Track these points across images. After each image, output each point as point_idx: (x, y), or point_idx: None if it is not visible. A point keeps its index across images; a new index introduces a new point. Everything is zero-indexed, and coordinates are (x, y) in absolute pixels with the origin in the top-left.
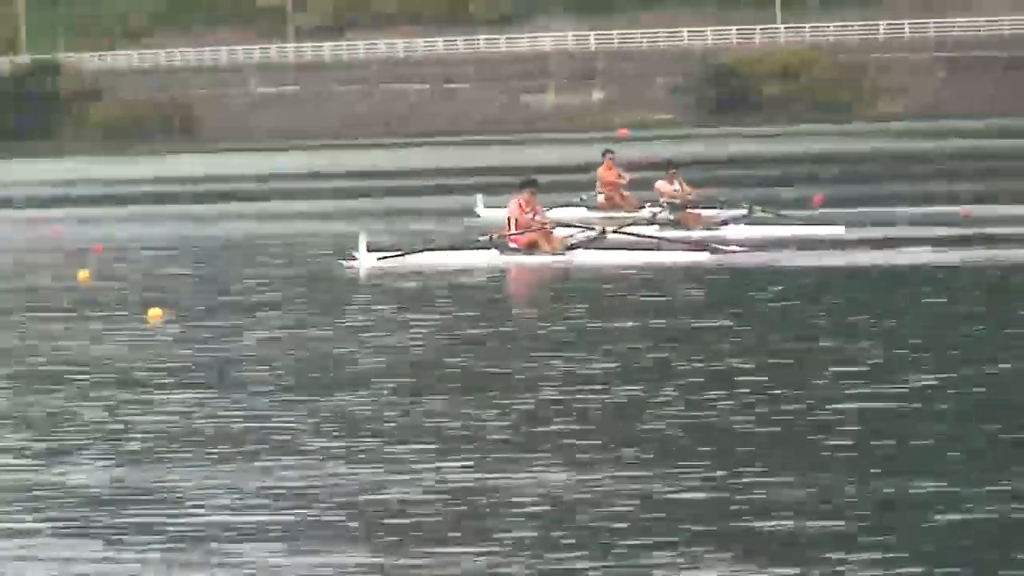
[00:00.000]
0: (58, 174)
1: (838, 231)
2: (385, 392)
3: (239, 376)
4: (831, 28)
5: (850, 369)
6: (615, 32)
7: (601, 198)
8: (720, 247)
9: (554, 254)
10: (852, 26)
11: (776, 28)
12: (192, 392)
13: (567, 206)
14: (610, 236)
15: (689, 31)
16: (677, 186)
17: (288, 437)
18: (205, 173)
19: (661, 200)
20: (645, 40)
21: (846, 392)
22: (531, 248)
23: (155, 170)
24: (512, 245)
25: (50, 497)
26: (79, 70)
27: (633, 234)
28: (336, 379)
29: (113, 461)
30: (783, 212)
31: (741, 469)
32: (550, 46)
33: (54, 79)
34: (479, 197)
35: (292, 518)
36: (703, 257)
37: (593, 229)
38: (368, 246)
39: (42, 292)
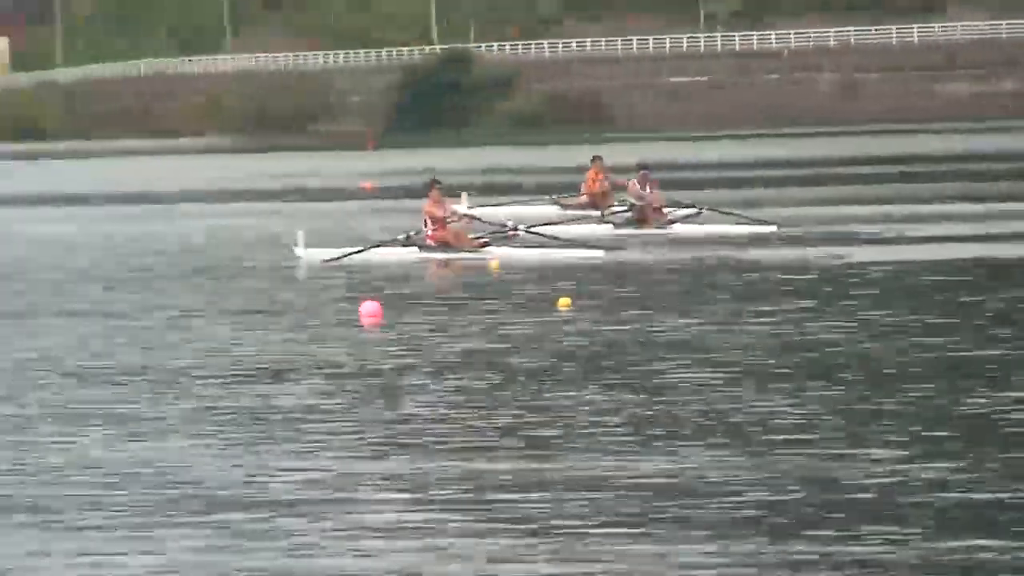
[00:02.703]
0: (470, 163)
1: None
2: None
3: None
4: None
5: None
6: None
7: (583, 198)
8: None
9: (471, 251)
10: None
11: None
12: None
13: (535, 203)
14: (522, 234)
15: None
16: (648, 188)
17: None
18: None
19: (628, 199)
20: None
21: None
22: (446, 245)
23: (563, 159)
24: (430, 243)
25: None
26: (489, 60)
27: (539, 234)
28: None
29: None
30: (734, 212)
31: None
32: (961, 35)
33: (465, 69)
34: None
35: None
36: (599, 254)
37: (506, 227)
38: (307, 243)
39: (452, 282)
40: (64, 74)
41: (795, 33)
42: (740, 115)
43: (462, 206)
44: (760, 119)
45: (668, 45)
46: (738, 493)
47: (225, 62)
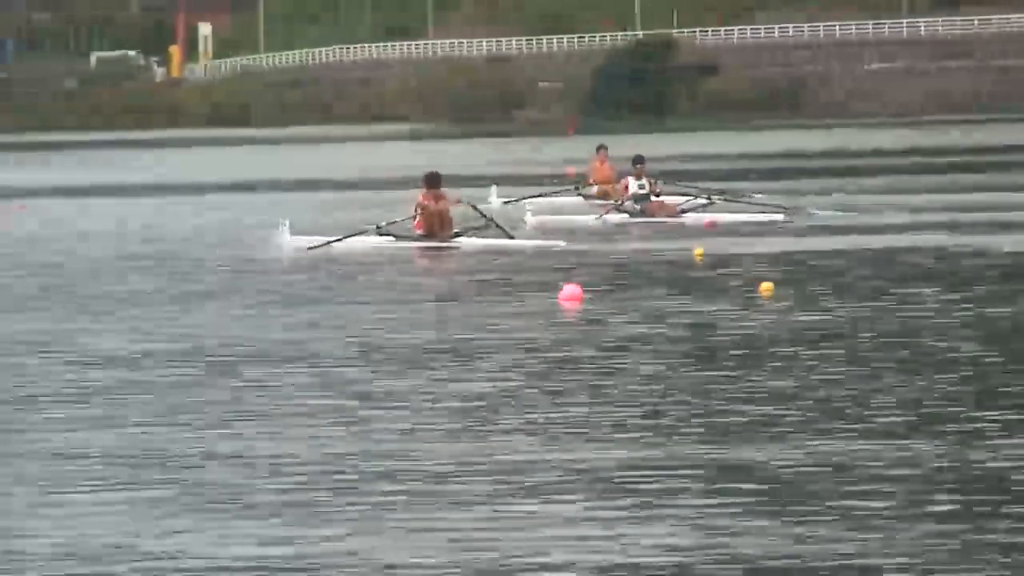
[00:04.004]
0: (671, 149)
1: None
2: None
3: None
4: None
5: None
6: None
7: (595, 189)
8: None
9: (445, 241)
10: None
11: None
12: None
13: (562, 194)
14: (493, 228)
15: None
16: (644, 180)
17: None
18: (812, 149)
19: (629, 192)
20: None
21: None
22: (429, 234)
23: (764, 145)
24: (416, 231)
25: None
26: (693, 46)
27: (502, 227)
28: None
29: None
30: (743, 199)
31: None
32: None
33: (668, 55)
34: None
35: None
36: (560, 243)
37: (482, 219)
38: (291, 231)
39: (657, 267)
40: (267, 60)
41: (997, 18)
42: (935, 102)
43: (492, 197)
44: (956, 106)
45: (871, 31)
46: None
47: (428, 48)
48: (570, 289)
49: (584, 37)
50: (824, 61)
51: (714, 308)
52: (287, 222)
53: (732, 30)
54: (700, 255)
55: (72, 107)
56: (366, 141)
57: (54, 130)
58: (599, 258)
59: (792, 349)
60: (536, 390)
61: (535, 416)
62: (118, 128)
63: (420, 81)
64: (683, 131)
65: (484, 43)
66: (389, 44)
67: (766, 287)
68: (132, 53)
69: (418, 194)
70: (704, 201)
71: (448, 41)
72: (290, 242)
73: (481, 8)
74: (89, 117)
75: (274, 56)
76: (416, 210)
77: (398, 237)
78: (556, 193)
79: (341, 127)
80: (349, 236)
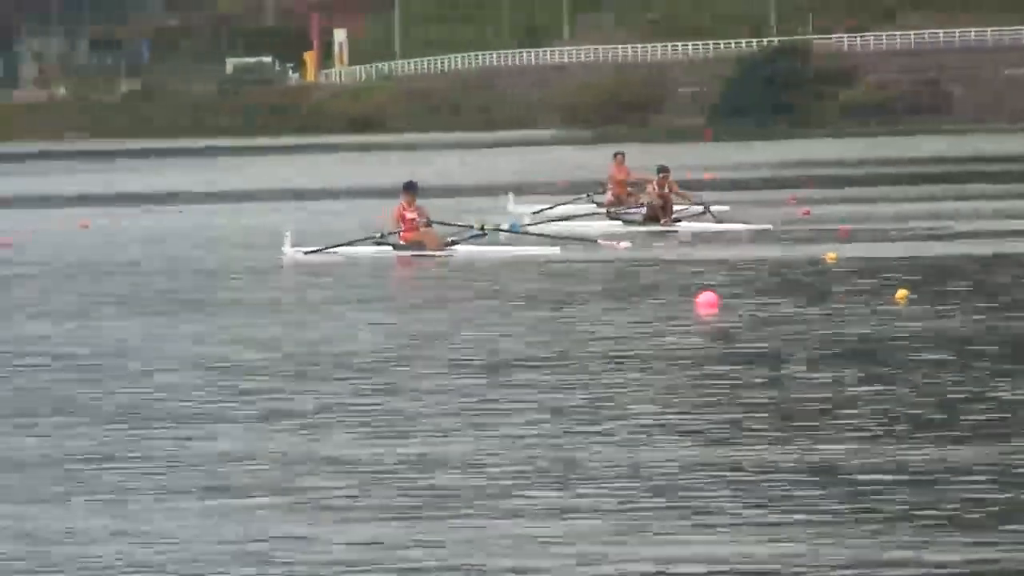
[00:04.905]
0: (806, 155)
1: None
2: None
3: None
4: None
5: None
6: None
7: (609, 195)
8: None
9: (438, 249)
10: None
11: None
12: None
13: (577, 201)
14: (488, 235)
15: None
16: (667, 188)
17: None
18: (955, 154)
19: (644, 198)
20: None
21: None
22: (417, 245)
23: (900, 150)
24: (402, 242)
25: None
26: (826, 52)
27: (500, 229)
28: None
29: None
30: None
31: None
32: None
33: (802, 61)
34: None
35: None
36: (555, 251)
37: (471, 227)
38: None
39: (792, 270)
40: (402, 66)
41: None
42: None
43: (510, 205)
44: None
45: (1008, 36)
46: None
47: (564, 54)
48: (707, 296)
49: (719, 43)
50: (962, 66)
51: (847, 313)
52: (288, 233)
53: (868, 36)
54: (833, 259)
55: (209, 112)
56: (501, 147)
57: (192, 136)
58: (726, 266)
59: (935, 355)
60: (689, 395)
61: (690, 419)
62: (255, 134)
63: (556, 86)
64: (817, 137)
65: (620, 48)
66: (525, 50)
67: (901, 294)
68: (267, 59)
69: (397, 205)
70: (699, 210)
71: (584, 47)
72: (291, 252)
73: (617, 13)
74: (226, 123)
75: (410, 63)
76: (398, 222)
77: (396, 247)
78: (573, 202)
79: (476, 133)
80: (344, 245)
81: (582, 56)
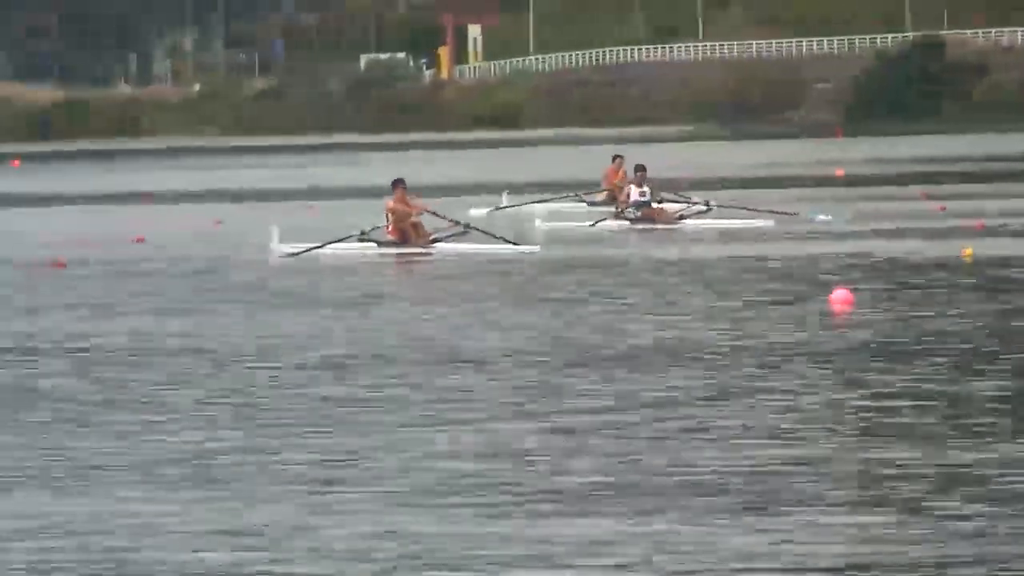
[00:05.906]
0: (943, 150)
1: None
2: None
3: None
4: None
5: None
6: None
7: (599, 195)
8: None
9: (422, 246)
10: None
11: None
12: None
13: (568, 200)
14: (472, 233)
15: None
16: (645, 188)
17: None
18: None
19: (631, 199)
20: None
21: None
22: (404, 240)
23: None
24: (390, 237)
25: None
26: (962, 46)
27: (487, 232)
28: None
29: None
30: (739, 207)
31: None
32: None
33: (937, 56)
34: None
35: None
36: (535, 249)
37: (458, 224)
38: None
39: (923, 267)
40: (537, 63)
41: None
42: None
43: (504, 202)
44: None
45: None
46: None
47: (698, 49)
48: (841, 293)
49: (854, 38)
50: None
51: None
52: (276, 230)
53: (1003, 31)
54: (969, 255)
55: (345, 109)
56: (637, 143)
57: (329, 132)
58: (863, 260)
59: None
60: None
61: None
62: (392, 130)
63: (692, 82)
64: (953, 133)
65: (754, 44)
66: (660, 46)
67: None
68: (401, 55)
69: (388, 200)
70: (703, 208)
71: (719, 43)
72: (277, 248)
73: (751, 8)
74: (362, 120)
75: (544, 59)
76: (387, 216)
77: (380, 243)
78: (557, 199)
79: (612, 129)
80: (330, 243)
81: (717, 51)
